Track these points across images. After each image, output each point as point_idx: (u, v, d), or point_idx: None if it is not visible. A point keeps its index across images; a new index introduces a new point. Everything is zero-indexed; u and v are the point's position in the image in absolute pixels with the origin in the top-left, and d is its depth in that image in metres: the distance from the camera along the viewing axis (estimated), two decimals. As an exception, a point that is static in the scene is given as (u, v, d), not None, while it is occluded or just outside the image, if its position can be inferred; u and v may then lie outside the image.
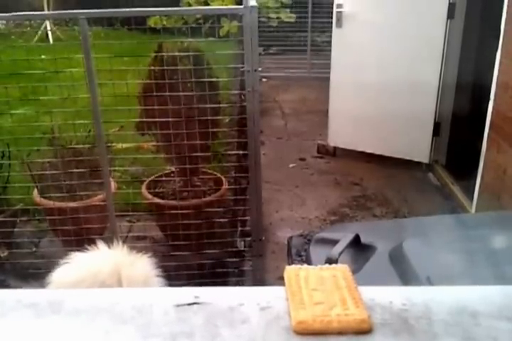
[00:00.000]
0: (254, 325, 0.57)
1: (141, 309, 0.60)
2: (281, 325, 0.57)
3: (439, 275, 1.63)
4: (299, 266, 0.69)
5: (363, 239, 1.92)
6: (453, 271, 1.72)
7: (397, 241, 1.88)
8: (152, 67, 3.01)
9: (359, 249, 1.89)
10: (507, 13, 3.18)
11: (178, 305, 0.59)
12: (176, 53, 2.94)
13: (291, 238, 2.23)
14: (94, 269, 1.51)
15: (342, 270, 0.68)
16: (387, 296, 0.62)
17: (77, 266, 1.56)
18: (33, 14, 3.03)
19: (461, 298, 0.63)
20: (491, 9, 3.66)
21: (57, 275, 1.56)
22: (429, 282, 1.58)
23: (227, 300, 0.61)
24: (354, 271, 1.81)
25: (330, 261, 1.73)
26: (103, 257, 1.57)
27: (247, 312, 0.59)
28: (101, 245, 1.61)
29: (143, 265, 1.60)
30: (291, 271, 0.67)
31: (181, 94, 2.83)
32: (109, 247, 1.62)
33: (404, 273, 1.71)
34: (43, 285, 1.62)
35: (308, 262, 1.93)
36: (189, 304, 0.59)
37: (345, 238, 1.86)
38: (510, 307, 0.61)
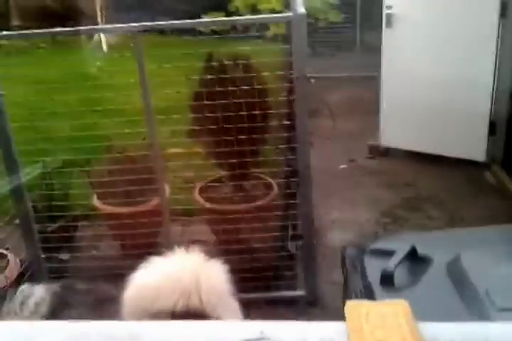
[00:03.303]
0: None
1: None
2: None
3: (498, 289, 1.60)
4: (358, 301, 0.69)
5: (419, 250, 1.87)
6: None
7: (454, 252, 1.83)
8: (203, 76, 3.07)
9: (415, 261, 1.85)
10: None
11: None
12: (226, 62, 2.99)
13: (344, 248, 2.20)
14: (175, 276, 1.51)
15: (402, 306, 0.67)
16: (450, 334, 0.61)
17: (157, 272, 1.54)
18: (89, 28, 3.13)
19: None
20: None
21: (138, 279, 1.54)
22: (489, 296, 1.55)
23: (291, 336, 0.61)
24: (410, 284, 1.78)
25: (386, 274, 1.74)
26: (182, 263, 1.55)
27: (310, 348, 0.59)
28: (178, 250, 1.61)
29: (218, 271, 1.59)
30: (351, 306, 0.66)
31: (231, 101, 2.88)
32: (186, 252, 1.60)
33: (462, 287, 1.68)
34: (116, 287, 1.65)
35: (363, 274, 1.90)
36: (255, 340, 0.60)
37: (401, 250, 1.82)
38: None
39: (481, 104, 4.35)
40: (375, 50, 5.20)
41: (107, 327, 0.65)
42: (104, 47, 7.89)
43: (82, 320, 0.64)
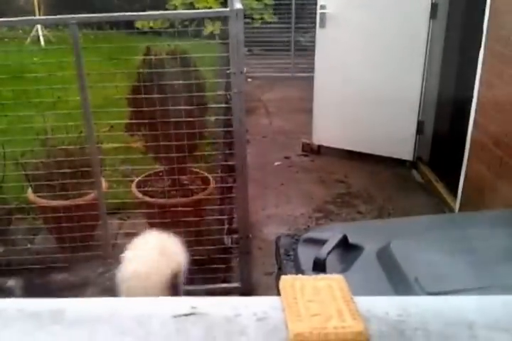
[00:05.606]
0: (251, 336, 0.57)
1: (140, 320, 0.58)
2: (278, 337, 0.57)
3: (427, 276, 1.67)
4: (293, 275, 0.67)
5: (351, 239, 1.92)
6: (441, 271, 1.74)
7: (384, 241, 1.89)
8: (141, 70, 3.07)
9: (347, 249, 1.90)
10: (490, 10, 3.19)
11: (175, 316, 0.59)
12: (164, 56, 3.00)
13: (279, 238, 2.22)
14: (170, 256, 1.52)
15: (337, 280, 0.65)
16: (383, 307, 0.62)
17: (153, 250, 1.54)
18: (25, 19, 3.04)
19: (458, 309, 0.62)
20: (474, 8, 3.68)
21: (135, 255, 1.53)
22: (418, 282, 1.62)
23: (224, 311, 0.60)
24: (342, 271, 1.85)
25: (318, 261, 1.78)
26: (170, 244, 1.56)
27: (244, 323, 0.59)
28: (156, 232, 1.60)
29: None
30: (286, 281, 0.65)
31: (169, 96, 2.90)
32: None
33: (392, 273, 1.73)
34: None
35: (297, 262, 1.94)
36: (186, 315, 0.59)
37: (333, 238, 1.87)
38: (507, 318, 0.60)
39: (410, 104, 4.50)
40: (311, 51, 5.32)
41: (25, 303, 0.62)
42: (42, 41, 7.69)
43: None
